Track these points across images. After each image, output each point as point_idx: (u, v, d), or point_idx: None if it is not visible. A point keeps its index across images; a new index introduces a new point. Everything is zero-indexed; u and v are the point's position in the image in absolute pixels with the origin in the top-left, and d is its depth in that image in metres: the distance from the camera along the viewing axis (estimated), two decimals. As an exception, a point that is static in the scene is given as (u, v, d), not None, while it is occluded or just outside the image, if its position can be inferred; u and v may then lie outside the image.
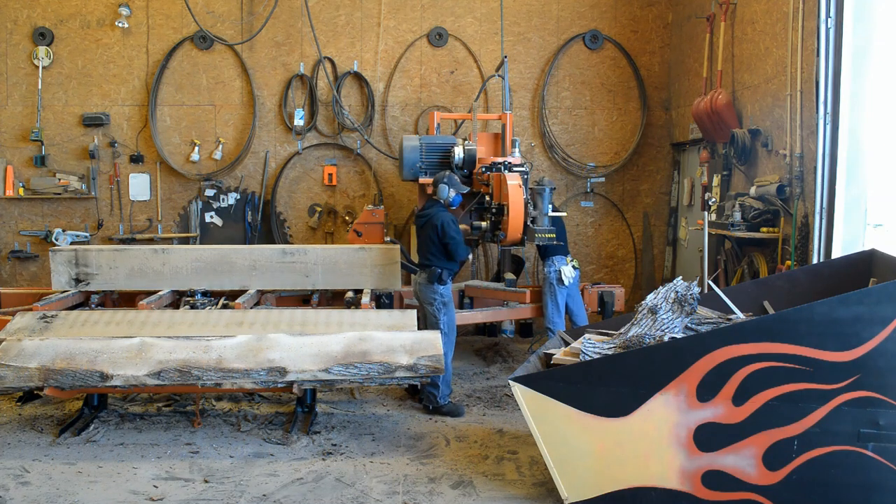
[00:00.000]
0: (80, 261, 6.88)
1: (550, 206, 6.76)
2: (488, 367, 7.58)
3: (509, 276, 7.64)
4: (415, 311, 6.28)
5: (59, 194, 8.88)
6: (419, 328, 6.06)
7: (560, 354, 4.71)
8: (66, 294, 6.80)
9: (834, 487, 3.92)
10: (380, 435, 5.66)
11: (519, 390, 4.35)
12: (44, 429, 5.71)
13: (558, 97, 9.23)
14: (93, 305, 6.91)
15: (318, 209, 9.21)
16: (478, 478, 4.89)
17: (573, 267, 7.16)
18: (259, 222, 9.11)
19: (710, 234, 6.71)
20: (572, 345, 4.80)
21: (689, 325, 4.49)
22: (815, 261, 5.71)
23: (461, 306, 7.61)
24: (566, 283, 7.09)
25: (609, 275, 9.44)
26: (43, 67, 8.87)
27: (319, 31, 8.93)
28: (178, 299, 6.89)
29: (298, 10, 8.95)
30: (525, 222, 6.56)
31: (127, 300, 7.05)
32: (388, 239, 7.73)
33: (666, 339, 4.25)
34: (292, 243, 9.04)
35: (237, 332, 5.64)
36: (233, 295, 6.87)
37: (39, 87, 8.87)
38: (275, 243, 8.99)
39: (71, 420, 5.79)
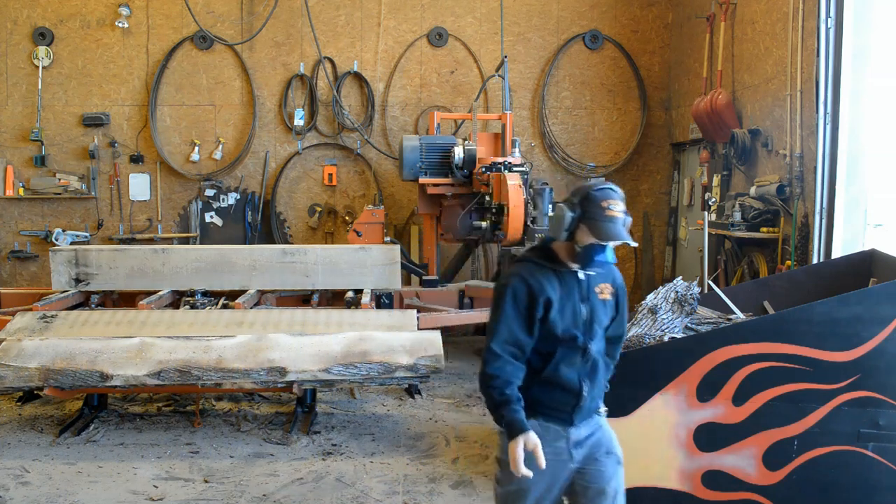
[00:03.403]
0: (80, 261, 6.88)
1: (551, 206, 6.76)
2: (488, 367, 7.57)
3: (509, 276, 7.62)
4: (414, 311, 6.27)
5: (59, 194, 8.88)
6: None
7: (560, 354, 4.71)
8: (66, 294, 6.79)
9: (834, 487, 3.92)
10: (380, 435, 5.66)
11: (519, 390, 4.35)
12: (44, 429, 5.70)
13: (558, 97, 9.23)
14: (93, 305, 6.90)
15: (318, 209, 9.21)
16: (478, 478, 4.88)
17: None
18: (259, 222, 9.11)
19: (710, 234, 6.70)
20: (572, 345, 4.79)
21: (689, 325, 4.49)
22: (815, 261, 5.71)
23: (461, 306, 7.61)
24: None
25: (609, 275, 9.42)
26: (43, 67, 8.87)
27: (319, 31, 8.93)
28: (178, 299, 6.88)
29: (298, 10, 8.95)
30: (525, 222, 6.57)
31: (127, 300, 7.04)
32: (388, 239, 7.72)
33: (666, 339, 4.25)
34: (292, 243, 9.04)
35: (237, 332, 5.64)
36: (233, 295, 6.86)
37: (39, 87, 8.87)
38: (275, 243, 8.99)
39: (71, 420, 5.79)
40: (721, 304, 4.89)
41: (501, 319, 2.88)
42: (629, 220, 2.93)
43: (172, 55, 8.97)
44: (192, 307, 6.56)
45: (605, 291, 3.02)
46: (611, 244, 2.87)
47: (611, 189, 2.92)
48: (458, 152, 7.41)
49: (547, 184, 7.02)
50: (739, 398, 3.95)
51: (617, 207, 2.88)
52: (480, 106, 8.91)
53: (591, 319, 2.94)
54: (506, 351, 2.84)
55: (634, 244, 2.91)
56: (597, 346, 2.97)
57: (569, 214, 2.89)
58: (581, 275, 2.95)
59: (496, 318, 2.90)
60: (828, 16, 5.61)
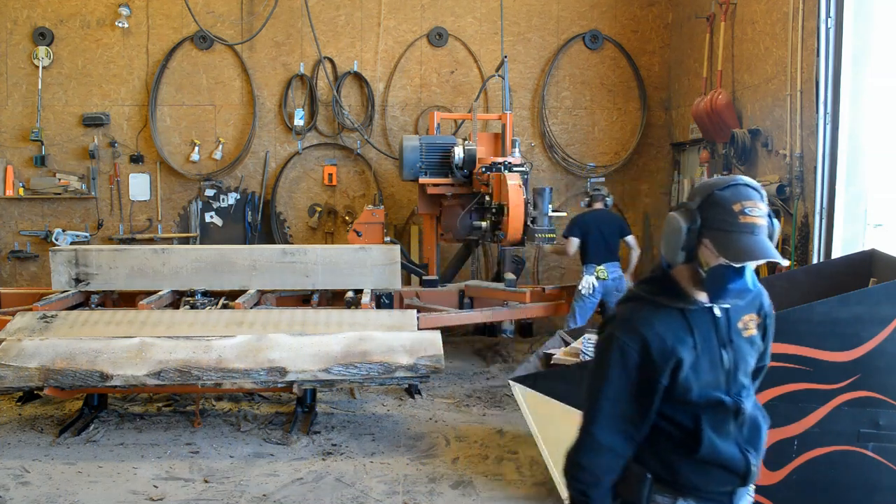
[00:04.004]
0: (80, 261, 6.87)
1: (550, 206, 6.76)
2: (488, 367, 7.59)
3: (509, 276, 7.64)
4: (414, 311, 6.27)
5: (59, 194, 8.88)
6: None
7: (560, 354, 4.71)
8: (66, 294, 6.79)
9: (834, 487, 3.92)
10: (380, 435, 5.66)
11: (519, 390, 4.35)
12: (44, 429, 5.70)
13: (558, 97, 9.23)
14: (93, 305, 6.90)
15: (318, 209, 9.20)
16: (478, 478, 4.88)
17: (597, 277, 7.02)
18: (259, 222, 9.10)
19: (710, 234, 6.69)
20: (572, 345, 4.80)
21: (689, 325, 4.48)
22: (815, 261, 5.71)
23: (461, 306, 7.61)
24: (584, 294, 7.00)
25: (609, 275, 9.43)
26: (43, 67, 8.87)
27: (319, 31, 8.93)
28: (178, 299, 6.88)
29: (298, 10, 8.94)
30: (525, 222, 6.57)
31: (127, 300, 7.04)
32: (388, 239, 7.73)
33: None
34: (292, 243, 9.04)
35: (237, 332, 5.64)
36: (233, 295, 6.86)
37: (39, 87, 8.86)
38: (275, 243, 8.99)
39: (71, 420, 5.79)
40: (721, 304, 4.88)
41: (605, 391, 2.07)
42: (777, 226, 2.09)
43: (172, 55, 8.97)
44: (192, 307, 6.56)
45: (750, 325, 2.19)
46: (750, 265, 2.02)
47: (745, 185, 2.04)
48: (458, 152, 7.40)
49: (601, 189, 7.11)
50: (739, 398, 3.95)
51: (755, 211, 2.01)
52: (480, 106, 8.91)
53: (735, 367, 2.13)
54: (611, 435, 2.07)
55: (785, 262, 2.03)
56: (750, 401, 2.18)
57: (684, 227, 2.03)
58: (717, 310, 2.12)
59: (598, 388, 2.08)
60: (828, 16, 5.61)
